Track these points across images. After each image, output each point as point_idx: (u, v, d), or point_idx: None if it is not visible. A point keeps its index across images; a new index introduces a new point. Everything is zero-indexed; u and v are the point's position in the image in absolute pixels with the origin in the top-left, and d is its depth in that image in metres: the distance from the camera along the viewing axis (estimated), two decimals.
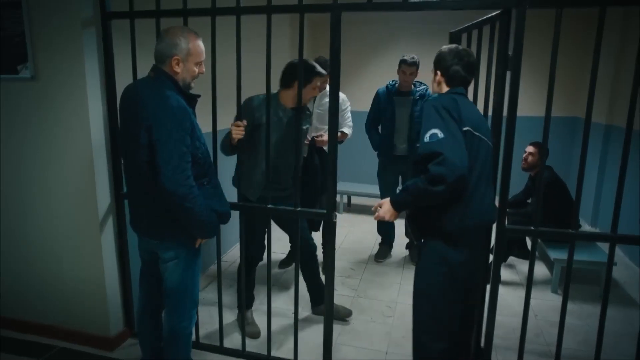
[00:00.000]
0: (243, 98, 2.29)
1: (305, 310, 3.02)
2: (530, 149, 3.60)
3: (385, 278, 3.63)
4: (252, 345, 2.58)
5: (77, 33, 2.23)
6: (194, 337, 2.54)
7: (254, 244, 2.67)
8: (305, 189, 2.84)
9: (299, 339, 2.46)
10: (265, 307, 3.03)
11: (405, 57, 3.54)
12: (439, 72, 1.97)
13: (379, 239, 4.17)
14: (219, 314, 2.53)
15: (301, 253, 2.65)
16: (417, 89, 3.69)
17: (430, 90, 3.75)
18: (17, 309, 2.70)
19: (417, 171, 1.86)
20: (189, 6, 2.22)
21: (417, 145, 1.85)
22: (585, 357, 2.56)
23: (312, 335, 2.77)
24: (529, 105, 4.86)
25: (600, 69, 1.93)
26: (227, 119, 2.41)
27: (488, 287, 2.14)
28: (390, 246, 4.09)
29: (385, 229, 4.04)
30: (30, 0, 2.27)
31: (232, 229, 2.49)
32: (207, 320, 2.86)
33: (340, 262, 3.84)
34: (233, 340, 2.62)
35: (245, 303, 2.66)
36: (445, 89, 1.96)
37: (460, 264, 1.86)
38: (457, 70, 1.93)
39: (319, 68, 2.58)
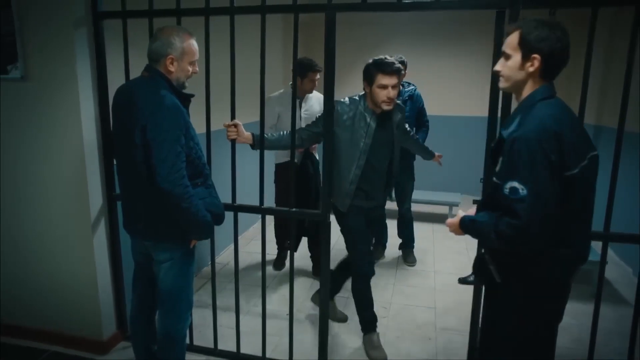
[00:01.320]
0: (237, 98, 2.27)
1: (298, 312, 3.01)
2: None
3: (379, 279, 3.61)
4: (246, 347, 2.56)
5: (68, 33, 2.21)
6: (187, 339, 2.53)
7: (363, 256, 2.55)
8: (300, 195, 2.77)
9: (294, 340, 2.45)
10: (257, 309, 3.02)
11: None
12: (537, 57, 1.41)
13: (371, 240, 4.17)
14: (214, 315, 2.51)
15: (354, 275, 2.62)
16: (406, 89, 3.66)
17: (418, 91, 3.70)
18: (7, 313, 2.66)
19: (486, 197, 1.59)
20: (182, 6, 2.21)
21: (495, 180, 1.48)
22: (579, 356, 2.57)
23: (307, 336, 2.77)
24: None
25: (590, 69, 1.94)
26: (220, 120, 2.40)
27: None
28: (384, 247, 4.09)
29: (378, 231, 4.03)
30: (20, 0, 2.25)
31: (226, 230, 2.46)
32: (200, 322, 2.84)
33: (334, 264, 3.82)
34: (227, 342, 2.60)
35: (369, 324, 2.63)
36: (535, 83, 1.47)
37: (555, 310, 1.57)
38: (563, 55, 1.41)
39: (389, 60, 2.39)
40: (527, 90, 1.48)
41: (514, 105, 1.69)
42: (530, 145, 1.33)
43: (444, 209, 5.13)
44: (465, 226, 1.59)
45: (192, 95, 1.94)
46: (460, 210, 1.71)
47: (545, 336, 1.57)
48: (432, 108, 6.04)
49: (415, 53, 5.50)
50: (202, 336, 2.70)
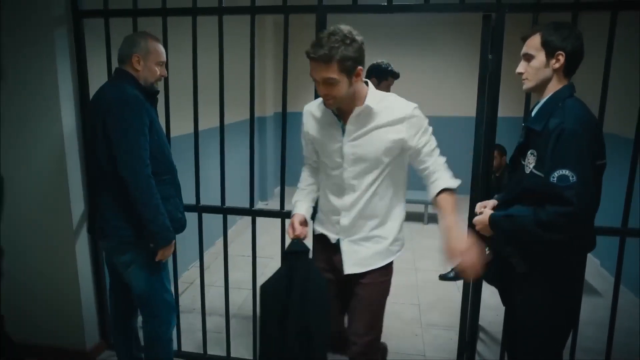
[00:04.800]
0: (227, 99, 2.25)
1: None
2: None
3: None
4: (235, 351, 2.53)
5: (47, 32, 2.13)
6: (175, 345, 2.48)
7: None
8: None
9: None
10: (242, 312, 3.00)
11: (393, 69, 3.00)
12: (561, 56, 1.51)
13: None
14: (202, 319, 2.47)
15: None
16: None
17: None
18: None
19: (521, 192, 1.58)
20: (168, 5, 2.16)
21: (532, 171, 1.53)
22: None
23: None
24: (513, 106, 4.91)
25: None
26: (208, 120, 2.38)
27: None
28: None
29: None
30: None
31: (206, 233, 2.43)
32: (186, 327, 2.78)
33: None
34: (215, 346, 2.57)
35: None
36: (559, 80, 1.55)
37: (578, 296, 1.64)
38: (582, 51, 1.53)
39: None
40: (552, 88, 1.56)
41: (507, 106, 1.75)
42: (578, 136, 1.41)
43: (419, 207, 5.23)
44: (499, 223, 1.59)
45: (157, 92, 1.97)
46: (486, 208, 1.72)
47: (576, 315, 1.66)
48: None
49: (394, 54, 5.60)
50: (189, 341, 2.65)
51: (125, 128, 1.76)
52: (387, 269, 1.76)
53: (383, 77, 2.99)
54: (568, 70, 1.54)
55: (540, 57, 1.54)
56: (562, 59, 1.51)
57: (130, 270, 1.94)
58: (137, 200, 1.79)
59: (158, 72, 1.93)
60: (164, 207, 1.86)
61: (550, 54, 1.52)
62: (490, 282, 1.84)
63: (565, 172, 1.39)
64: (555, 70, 1.53)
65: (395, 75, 3.04)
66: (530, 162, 1.54)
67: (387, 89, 3.01)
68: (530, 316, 1.63)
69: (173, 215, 1.94)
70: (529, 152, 1.55)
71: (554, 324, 1.60)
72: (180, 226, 2.01)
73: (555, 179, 1.40)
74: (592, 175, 1.41)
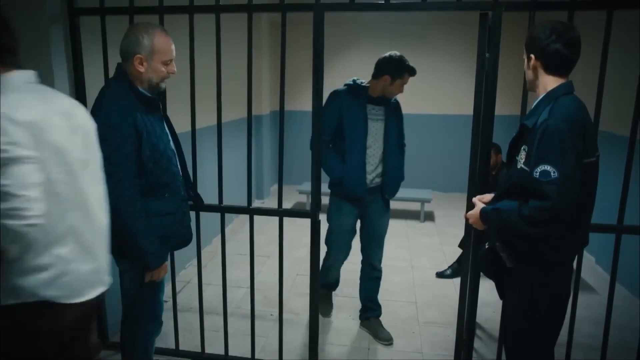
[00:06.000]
0: (223, 98, 2.25)
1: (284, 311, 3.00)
2: None
3: (358, 275, 3.66)
4: (233, 349, 2.53)
5: (43, 30, 2.11)
6: (173, 344, 2.48)
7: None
8: None
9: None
10: (240, 311, 3.00)
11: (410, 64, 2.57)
12: (532, 56, 1.58)
13: None
14: (200, 318, 2.47)
15: None
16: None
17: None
18: None
19: (511, 188, 1.61)
20: (165, 3, 2.15)
21: (521, 167, 1.55)
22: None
23: (294, 336, 2.77)
24: (511, 104, 4.95)
25: None
26: (207, 118, 2.37)
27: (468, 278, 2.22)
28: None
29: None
30: None
31: (201, 232, 2.42)
32: (183, 325, 2.78)
33: None
34: (211, 345, 2.57)
35: None
36: (545, 78, 1.58)
37: (566, 293, 1.64)
38: (556, 49, 1.53)
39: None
40: (543, 86, 1.59)
41: (504, 104, 1.78)
42: (561, 133, 1.43)
43: (416, 205, 5.25)
44: (488, 216, 1.63)
45: (153, 98, 1.79)
46: (477, 201, 1.75)
47: (563, 312, 1.65)
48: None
49: (381, 53, 5.61)
50: (187, 340, 2.65)
51: (104, 148, 1.54)
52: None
53: (398, 74, 2.48)
54: (550, 69, 1.57)
55: (525, 58, 1.63)
56: (532, 60, 1.58)
57: (125, 276, 1.86)
58: (115, 222, 1.57)
59: (164, 71, 1.75)
60: (159, 222, 1.75)
61: (527, 55, 1.61)
62: (488, 275, 1.88)
63: (547, 167, 1.42)
64: (533, 70, 1.60)
65: (413, 72, 2.54)
66: (522, 157, 1.57)
67: (400, 90, 2.57)
68: (517, 311, 1.66)
69: (174, 231, 1.84)
70: (522, 148, 1.58)
71: (539, 320, 1.61)
72: (183, 241, 1.92)
73: (537, 174, 1.43)
74: (576, 173, 1.43)
